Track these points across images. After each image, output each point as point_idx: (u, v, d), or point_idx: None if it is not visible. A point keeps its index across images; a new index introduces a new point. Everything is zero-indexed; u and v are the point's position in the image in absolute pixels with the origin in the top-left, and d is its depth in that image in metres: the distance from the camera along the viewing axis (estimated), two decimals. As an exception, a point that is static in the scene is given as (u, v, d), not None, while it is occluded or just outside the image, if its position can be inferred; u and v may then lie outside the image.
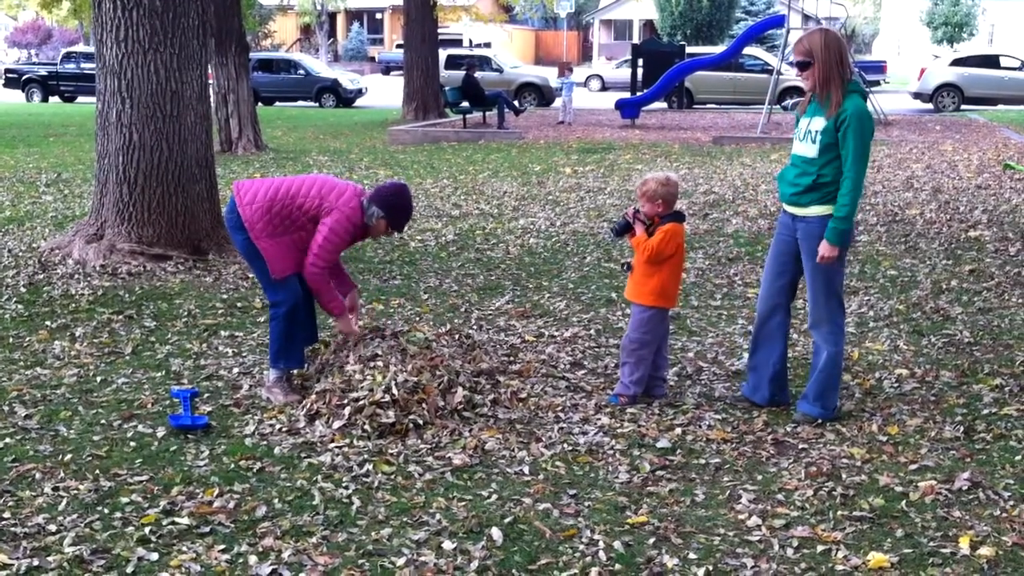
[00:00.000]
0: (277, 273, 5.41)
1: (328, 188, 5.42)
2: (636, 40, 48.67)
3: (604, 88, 38.81)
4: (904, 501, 4.30)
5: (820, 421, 5.18)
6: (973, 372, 5.96)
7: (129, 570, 3.74)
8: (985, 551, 3.85)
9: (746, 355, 6.25)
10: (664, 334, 5.56)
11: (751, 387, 5.49)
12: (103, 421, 5.23)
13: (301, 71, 33.47)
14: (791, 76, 27.68)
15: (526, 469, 4.64)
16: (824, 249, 4.95)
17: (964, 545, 3.90)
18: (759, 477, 4.58)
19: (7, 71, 37.60)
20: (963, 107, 27.72)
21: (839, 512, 4.21)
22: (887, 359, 6.22)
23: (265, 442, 4.94)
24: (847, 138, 4.84)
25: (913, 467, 4.65)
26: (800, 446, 4.91)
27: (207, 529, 4.05)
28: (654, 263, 5.32)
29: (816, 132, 4.93)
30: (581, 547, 3.92)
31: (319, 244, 5.34)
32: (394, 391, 5.10)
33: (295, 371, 5.69)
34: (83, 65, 33.02)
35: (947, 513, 4.19)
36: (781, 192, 5.20)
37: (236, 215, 5.39)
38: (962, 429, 5.08)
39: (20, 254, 9.06)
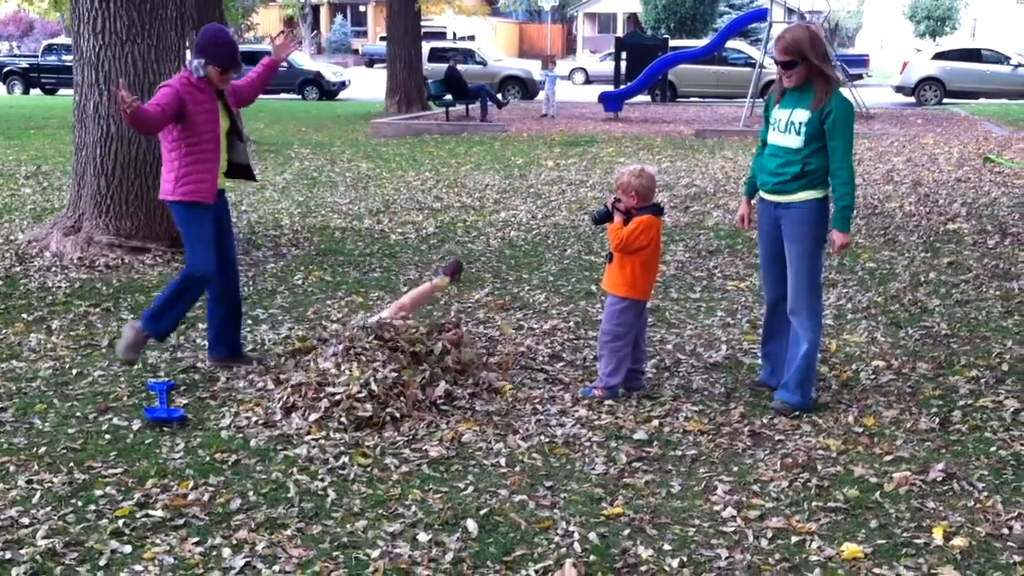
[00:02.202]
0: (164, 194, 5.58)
1: None
2: (620, 33, 48.68)
3: (588, 81, 38.78)
4: (879, 492, 4.31)
5: (797, 412, 5.20)
6: (950, 364, 5.98)
7: (102, 563, 3.73)
8: (958, 542, 3.87)
9: (724, 347, 6.30)
10: (641, 327, 5.56)
11: (767, 373, 5.59)
12: (78, 414, 5.20)
13: (284, 63, 33.26)
14: (774, 70, 27.73)
15: (503, 461, 4.64)
16: (838, 238, 5.09)
17: (938, 536, 3.92)
18: (735, 468, 4.58)
19: (-12, 63, 37.38)
20: (945, 101, 27.81)
21: (814, 503, 4.22)
22: (864, 351, 6.24)
23: (241, 435, 4.92)
24: (836, 130, 4.97)
25: (888, 458, 4.66)
26: (776, 437, 4.92)
27: (181, 521, 4.03)
28: (624, 253, 5.32)
29: (800, 124, 5.02)
30: (556, 539, 3.92)
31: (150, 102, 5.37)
32: (373, 387, 5.09)
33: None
34: (64, 57, 32.76)
35: (921, 504, 4.21)
36: (762, 182, 5.26)
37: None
38: (938, 420, 5.10)
39: (-3, 247, 9.00)
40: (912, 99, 28.33)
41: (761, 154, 5.34)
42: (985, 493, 4.30)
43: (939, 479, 4.42)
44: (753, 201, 5.50)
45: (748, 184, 5.52)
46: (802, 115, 5.03)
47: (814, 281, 5.21)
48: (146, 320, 5.63)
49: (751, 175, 5.46)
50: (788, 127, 5.08)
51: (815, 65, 4.99)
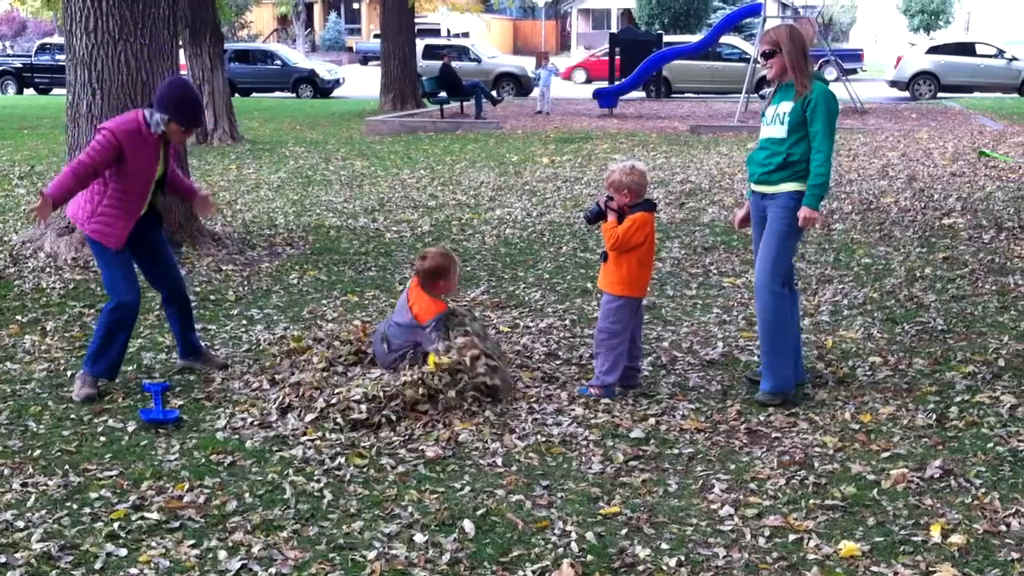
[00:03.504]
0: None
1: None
2: (614, 29, 48.63)
3: (588, 81, 38.69)
4: (876, 489, 4.31)
5: (779, 400, 5.25)
6: (946, 360, 5.98)
7: (98, 566, 3.71)
8: (956, 539, 3.86)
9: (721, 344, 6.30)
10: (637, 325, 5.55)
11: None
12: (73, 416, 5.18)
13: (278, 62, 33.32)
14: (768, 65, 27.69)
15: (499, 461, 4.63)
16: (804, 212, 5.13)
17: (935, 533, 3.91)
18: (732, 466, 4.57)
19: (-20, 63, 37.32)
20: (939, 95, 27.82)
21: (811, 501, 4.21)
22: (860, 347, 6.24)
23: (237, 436, 4.91)
24: (816, 116, 5.10)
25: (885, 455, 4.66)
26: (773, 435, 4.91)
27: (177, 524, 4.02)
28: (620, 251, 5.31)
29: (784, 114, 5.19)
30: (553, 538, 3.91)
31: (81, 157, 5.21)
32: (372, 392, 5.07)
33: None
34: (58, 57, 32.70)
35: (919, 501, 4.20)
36: (751, 173, 5.39)
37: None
38: (934, 417, 5.10)
39: (-9, 248, 8.98)
40: (906, 94, 28.35)
41: None
42: (983, 490, 4.29)
43: (936, 476, 4.42)
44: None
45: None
46: (786, 106, 5.20)
47: (778, 264, 5.28)
48: (89, 364, 5.48)
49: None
50: (774, 119, 5.26)
51: (791, 58, 5.16)
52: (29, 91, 34.54)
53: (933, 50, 28.99)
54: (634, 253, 5.32)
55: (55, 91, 33.17)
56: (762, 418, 5.12)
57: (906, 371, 5.80)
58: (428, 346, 5.34)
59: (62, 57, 31.82)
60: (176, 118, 5.27)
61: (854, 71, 36.14)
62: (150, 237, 5.62)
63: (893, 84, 29.01)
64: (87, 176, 5.20)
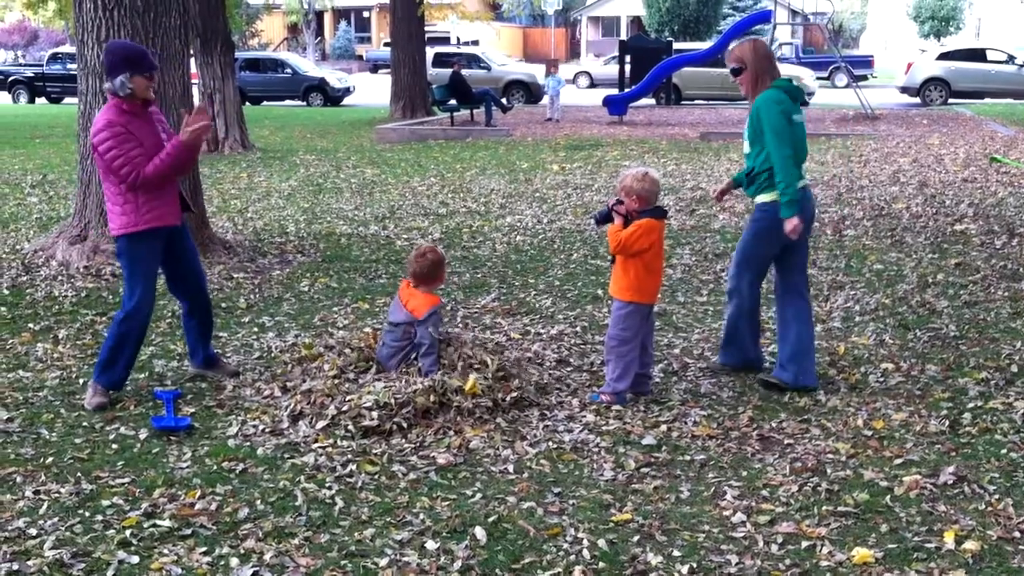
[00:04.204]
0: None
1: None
2: (624, 36, 48.67)
3: (592, 85, 38.77)
4: (889, 496, 4.29)
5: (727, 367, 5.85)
6: (959, 366, 5.96)
7: (110, 573, 3.72)
8: (970, 545, 3.85)
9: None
10: (648, 331, 5.54)
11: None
12: (85, 423, 5.19)
13: (288, 70, 33.40)
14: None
15: (511, 467, 4.62)
16: (786, 225, 5.39)
17: (949, 539, 3.90)
18: (744, 473, 4.56)
19: (-7, 72, 37.49)
20: (950, 101, 27.76)
21: (824, 507, 4.20)
22: (873, 353, 6.22)
23: (248, 443, 4.91)
24: (761, 126, 5.41)
25: (898, 462, 4.64)
26: (785, 442, 4.90)
27: (189, 531, 4.02)
28: (623, 255, 5.32)
29: (745, 129, 5.58)
30: (565, 545, 3.90)
31: (114, 167, 5.24)
32: (384, 399, 5.07)
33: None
34: (69, 66, 32.81)
35: (932, 508, 4.18)
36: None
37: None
38: (947, 423, 5.08)
39: (3, 256, 9.01)
40: (917, 100, 28.28)
41: None
42: (996, 496, 4.27)
43: (950, 482, 4.40)
44: (737, 192, 6.23)
45: (738, 175, 5.88)
46: (747, 121, 5.56)
47: (745, 271, 5.68)
48: (96, 374, 5.50)
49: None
50: (745, 135, 5.61)
51: (754, 73, 5.49)
52: (41, 100, 34.68)
53: (944, 56, 28.92)
54: (640, 259, 5.32)
55: (67, 100, 33.28)
56: (774, 424, 5.11)
57: (919, 377, 5.78)
58: (424, 340, 5.35)
59: (73, 66, 31.94)
60: (133, 70, 5.26)
61: (865, 77, 36.11)
62: (179, 244, 5.64)
63: (904, 90, 28.95)
64: (157, 167, 5.26)
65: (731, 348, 5.91)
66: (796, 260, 5.65)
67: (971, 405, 5.32)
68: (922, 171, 14.06)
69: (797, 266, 5.66)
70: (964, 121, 22.09)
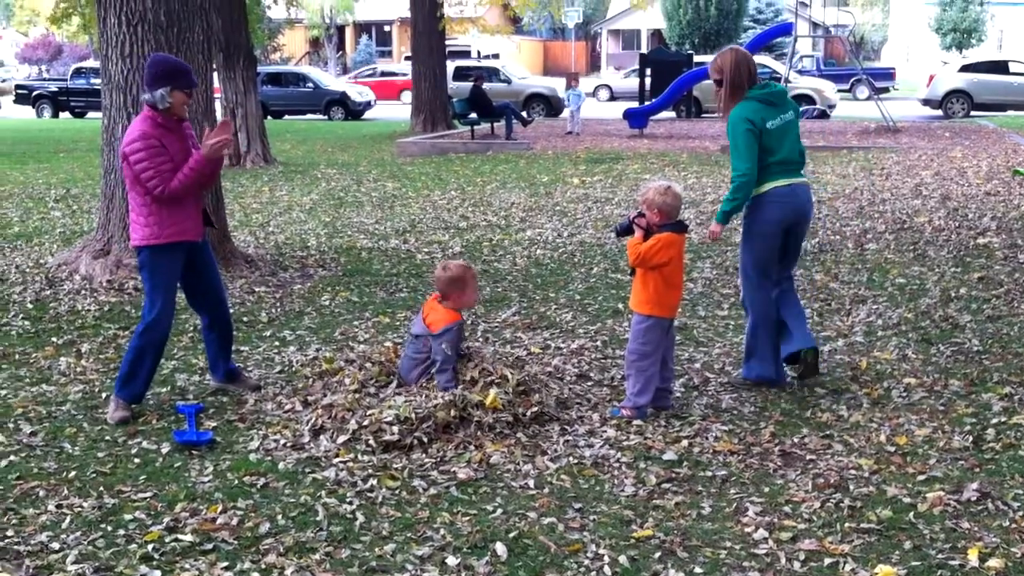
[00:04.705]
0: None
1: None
2: (644, 49, 48.70)
3: (613, 98, 38.79)
4: (912, 512, 4.26)
5: (752, 380, 5.86)
6: (982, 381, 5.92)
7: (132, 588, 3.73)
8: (994, 563, 3.81)
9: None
10: (668, 346, 5.53)
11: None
12: (108, 437, 5.22)
13: (310, 84, 33.56)
14: (800, 84, 27.65)
15: (531, 483, 4.62)
16: (712, 228, 5.90)
17: (973, 557, 3.86)
18: (766, 489, 4.54)
19: (18, 87, 37.87)
20: (972, 113, 27.64)
21: (846, 524, 4.17)
22: (895, 368, 6.18)
23: (269, 457, 4.92)
24: (729, 139, 5.71)
25: (921, 478, 4.61)
26: (808, 457, 4.88)
27: (210, 546, 4.03)
28: (642, 267, 5.33)
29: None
30: (586, 561, 3.89)
31: (143, 178, 5.31)
32: (404, 413, 5.07)
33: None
34: (93, 81, 33.07)
35: (956, 524, 4.15)
36: None
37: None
38: (971, 439, 5.04)
39: (28, 270, 9.08)
40: (939, 112, 28.18)
41: None
42: (1020, 512, 4.24)
43: (973, 499, 4.37)
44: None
45: None
46: None
47: (746, 275, 5.88)
48: (117, 388, 5.53)
49: None
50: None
51: (728, 87, 5.72)
52: (65, 114, 34.96)
53: (966, 68, 28.81)
54: (660, 272, 5.32)
55: (90, 114, 33.54)
56: (796, 440, 5.09)
57: (942, 392, 5.75)
58: (436, 357, 5.35)
59: (97, 81, 32.23)
60: (174, 84, 5.36)
61: (886, 90, 36.03)
62: (200, 258, 5.68)
63: (926, 102, 28.84)
64: (181, 181, 5.35)
65: (755, 359, 5.95)
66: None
67: (995, 420, 5.28)
68: (944, 184, 13.99)
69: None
70: (987, 134, 21.99)
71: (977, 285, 8.20)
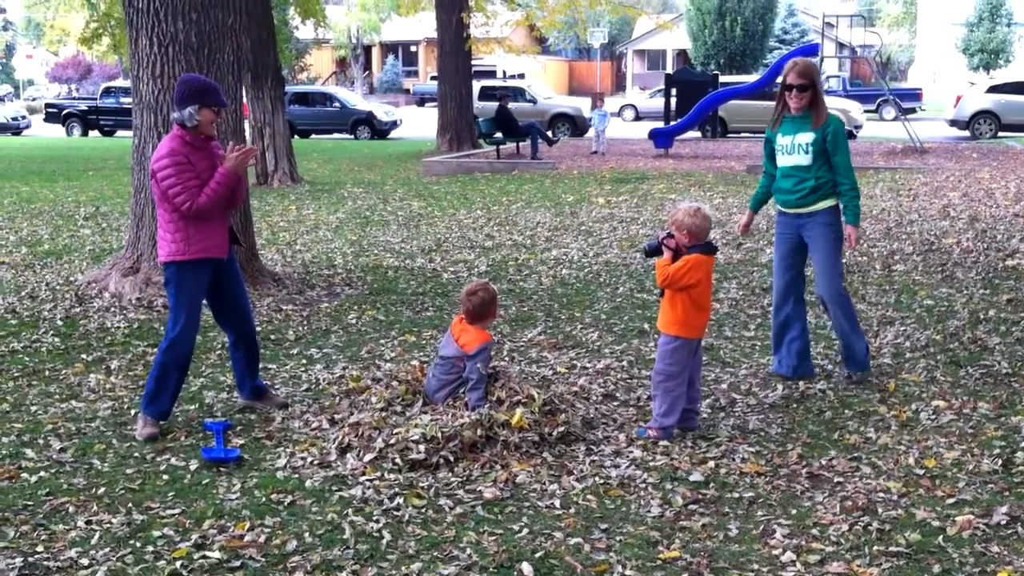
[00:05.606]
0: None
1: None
2: (669, 70, 48.73)
3: (638, 118, 38.82)
4: (941, 536, 4.24)
5: (861, 373, 6.26)
6: (1011, 404, 5.88)
7: (160, 604, 3.75)
8: (1025, 588, 3.78)
9: (780, 387, 6.25)
10: (695, 366, 5.52)
11: (777, 363, 6.49)
12: (136, 454, 5.26)
13: (337, 104, 33.77)
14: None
15: (557, 503, 4.61)
16: (851, 231, 6.12)
17: (1003, 581, 3.84)
18: (793, 511, 4.52)
19: (48, 106, 38.23)
20: (1000, 134, 27.49)
21: (875, 547, 4.15)
22: (924, 390, 6.15)
23: (297, 475, 4.94)
24: (836, 147, 6.02)
25: (950, 501, 4.58)
26: (835, 480, 4.85)
27: (238, 563, 4.05)
28: (670, 288, 5.34)
29: (807, 144, 6.05)
30: (612, 582, 3.89)
31: (171, 195, 5.39)
32: (431, 432, 5.08)
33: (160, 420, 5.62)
34: (122, 100, 33.40)
35: (985, 548, 4.12)
36: (785, 201, 6.26)
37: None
38: (1000, 462, 5.01)
39: (57, 288, 9.16)
40: (967, 133, 28.05)
41: (769, 178, 6.44)
42: (1052, 537, 4.20)
43: (1003, 522, 4.33)
44: (760, 213, 6.96)
45: (754, 200, 6.66)
46: (805, 137, 6.05)
47: (836, 267, 6.20)
48: (144, 405, 5.58)
49: (757, 193, 6.62)
50: (795, 149, 6.10)
51: (818, 91, 6.06)
52: (94, 133, 35.31)
53: (993, 89, 28.67)
54: (688, 293, 5.32)
55: (119, 133, 33.85)
56: (824, 462, 5.06)
57: (970, 415, 5.71)
58: (472, 375, 5.37)
59: (127, 100, 32.58)
60: (203, 103, 5.44)
61: (913, 110, 35.87)
62: (226, 276, 5.73)
63: (953, 123, 28.72)
64: (209, 196, 5.44)
65: (859, 352, 6.33)
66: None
67: (1025, 444, 5.24)
68: (972, 205, 13.91)
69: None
70: (1015, 155, 21.85)
71: (1006, 307, 8.14)
